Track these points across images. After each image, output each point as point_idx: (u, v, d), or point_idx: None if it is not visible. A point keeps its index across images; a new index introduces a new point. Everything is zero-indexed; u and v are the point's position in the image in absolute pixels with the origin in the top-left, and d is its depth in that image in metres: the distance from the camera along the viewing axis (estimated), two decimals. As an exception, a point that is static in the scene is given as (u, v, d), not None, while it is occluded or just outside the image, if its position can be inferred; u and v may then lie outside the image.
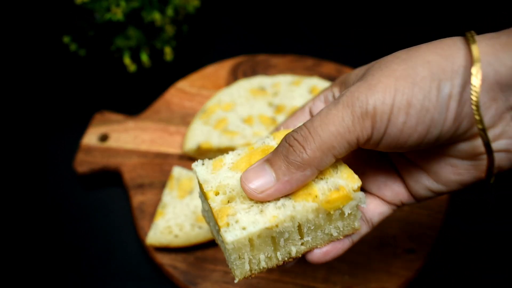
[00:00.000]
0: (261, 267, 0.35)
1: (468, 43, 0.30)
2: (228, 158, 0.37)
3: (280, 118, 0.65)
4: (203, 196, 0.37)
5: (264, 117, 0.65)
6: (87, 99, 0.76)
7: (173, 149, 0.66)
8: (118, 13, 0.70)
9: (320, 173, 0.35)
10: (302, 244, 0.36)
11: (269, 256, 0.35)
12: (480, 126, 0.30)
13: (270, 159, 0.34)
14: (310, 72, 0.73)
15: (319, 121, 0.32)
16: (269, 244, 0.34)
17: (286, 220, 0.33)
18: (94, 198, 0.65)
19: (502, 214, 0.60)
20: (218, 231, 0.34)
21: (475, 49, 0.30)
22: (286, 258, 0.36)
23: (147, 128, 0.69)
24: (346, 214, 0.35)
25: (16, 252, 0.61)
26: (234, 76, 0.74)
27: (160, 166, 0.65)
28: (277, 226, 0.33)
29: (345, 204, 0.35)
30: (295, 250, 0.36)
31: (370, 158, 0.40)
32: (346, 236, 0.38)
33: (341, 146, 0.32)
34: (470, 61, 0.30)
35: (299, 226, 0.35)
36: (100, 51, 0.78)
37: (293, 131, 0.33)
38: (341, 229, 0.37)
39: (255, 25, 0.86)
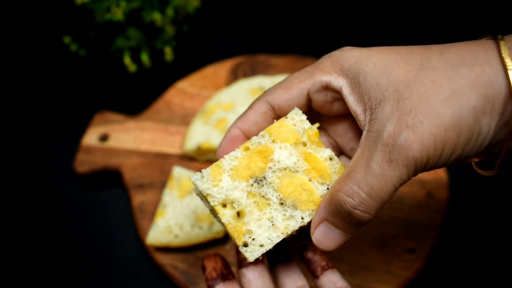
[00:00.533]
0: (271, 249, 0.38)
1: (509, 80, 0.31)
2: (226, 163, 0.37)
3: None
4: (204, 199, 0.38)
5: (264, 117, 0.65)
6: (87, 99, 0.76)
7: (173, 149, 0.66)
8: (118, 14, 0.70)
9: (321, 178, 0.37)
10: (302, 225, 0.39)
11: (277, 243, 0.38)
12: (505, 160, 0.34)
13: (335, 224, 0.35)
14: (310, 72, 0.73)
15: (379, 185, 0.32)
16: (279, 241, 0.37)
17: (296, 230, 0.37)
18: (94, 198, 0.65)
19: (502, 212, 0.60)
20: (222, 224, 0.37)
21: None
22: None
23: (147, 128, 0.69)
24: None
25: (16, 252, 0.61)
26: (234, 76, 0.74)
27: (160, 166, 0.65)
28: (288, 234, 0.37)
29: None
30: (297, 232, 0.39)
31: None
32: None
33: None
34: (510, 105, 0.31)
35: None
36: (101, 51, 0.78)
37: (349, 196, 0.33)
38: None
39: (255, 25, 0.86)
